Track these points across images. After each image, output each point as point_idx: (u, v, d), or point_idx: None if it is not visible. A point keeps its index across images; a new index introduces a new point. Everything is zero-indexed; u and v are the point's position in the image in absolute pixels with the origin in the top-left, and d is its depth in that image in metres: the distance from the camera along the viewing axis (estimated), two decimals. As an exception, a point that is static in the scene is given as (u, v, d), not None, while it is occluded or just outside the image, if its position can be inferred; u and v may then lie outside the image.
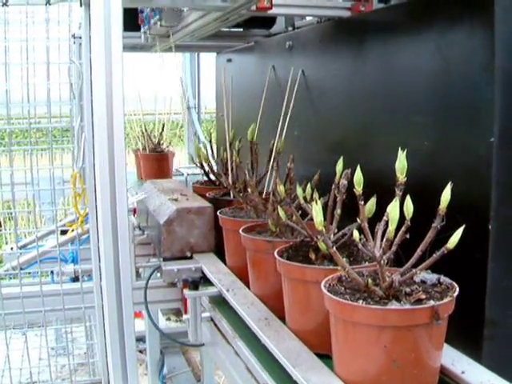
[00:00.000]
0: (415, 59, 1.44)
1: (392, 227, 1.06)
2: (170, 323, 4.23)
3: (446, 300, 1.04)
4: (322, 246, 1.25)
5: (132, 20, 2.54)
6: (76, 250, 2.18)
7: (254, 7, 1.67)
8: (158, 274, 1.89)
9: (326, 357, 1.17)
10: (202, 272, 1.81)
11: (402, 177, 1.07)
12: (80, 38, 1.99)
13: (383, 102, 1.58)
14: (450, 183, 1.04)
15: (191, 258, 1.91)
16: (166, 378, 3.18)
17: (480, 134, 1.21)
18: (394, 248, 1.08)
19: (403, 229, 1.06)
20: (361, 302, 1.05)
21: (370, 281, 1.07)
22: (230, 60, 2.98)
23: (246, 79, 2.75)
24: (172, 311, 4.19)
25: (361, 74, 1.70)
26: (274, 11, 1.75)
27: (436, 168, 1.36)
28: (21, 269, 2.18)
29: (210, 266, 1.80)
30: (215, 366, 3.14)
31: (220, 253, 1.88)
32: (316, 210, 1.14)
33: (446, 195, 1.04)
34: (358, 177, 1.10)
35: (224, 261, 1.81)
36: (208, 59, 3.91)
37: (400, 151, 1.06)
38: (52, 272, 2.41)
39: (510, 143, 1.18)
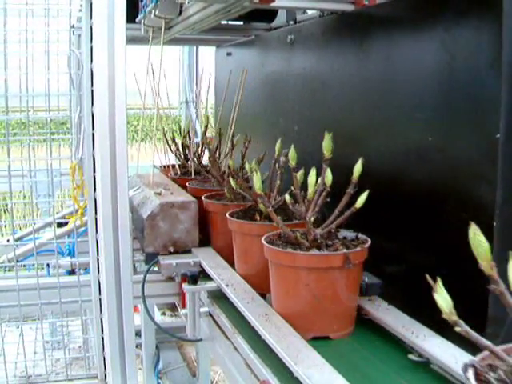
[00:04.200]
0: (420, 54, 1.42)
1: (311, 190, 1.35)
2: (165, 318, 4.22)
3: (355, 249, 1.31)
4: (261, 206, 1.51)
5: (131, 11, 2.52)
6: (73, 242, 2.16)
7: (256, -1, 1.65)
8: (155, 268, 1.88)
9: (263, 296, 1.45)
10: (201, 266, 1.80)
11: (327, 154, 1.35)
12: (80, 28, 1.96)
13: (387, 97, 1.56)
14: (361, 159, 1.30)
15: (176, 253, 1.89)
16: (161, 372, 3.16)
17: (485, 130, 1.20)
18: (317, 208, 1.35)
19: (324, 193, 1.34)
20: (290, 249, 1.33)
21: (298, 234, 1.34)
22: (229, 54, 2.96)
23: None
24: (167, 306, 4.18)
25: (364, 69, 1.68)
26: (276, 4, 1.72)
27: (440, 164, 1.35)
28: (17, 261, 2.16)
29: (208, 260, 1.79)
30: (211, 362, 3.12)
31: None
32: (256, 178, 1.43)
33: (358, 167, 1.31)
34: (292, 154, 1.41)
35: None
36: (207, 53, 3.89)
37: (326, 133, 1.34)
38: (48, 265, 2.39)
39: (516, 140, 1.17)
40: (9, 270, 2.77)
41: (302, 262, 1.29)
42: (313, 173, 1.34)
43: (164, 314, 4.31)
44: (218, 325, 1.57)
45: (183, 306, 1.72)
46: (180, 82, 4.09)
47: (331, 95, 1.88)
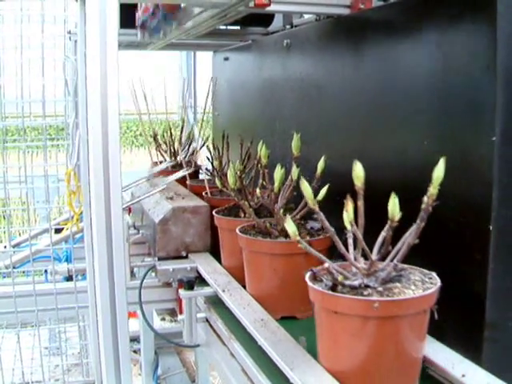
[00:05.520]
0: (415, 57, 1.42)
1: (276, 184, 1.49)
2: (164, 323, 4.20)
3: (318, 237, 1.46)
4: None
5: (128, 17, 2.52)
6: (70, 248, 2.15)
7: (252, 4, 1.64)
8: (153, 274, 1.87)
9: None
10: (198, 272, 1.79)
11: (296, 153, 1.49)
12: (76, 34, 1.96)
13: (383, 100, 1.56)
14: (323, 157, 1.42)
15: (186, 257, 1.89)
16: (160, 378, 3.16)
17: (481, 133, 1.19)
18: (284, 201, 1.49)
19: (291, 188, 1.48)
20: (260, 237, 1.48)
21: (268, 224, 1.50)
22: (226, 58, 2.96)
23: (243, 78, 2.73)
24: (167, 311, 4.17)
25: (360, 73, 1.68)
26: (272, 8, 1.72)
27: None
28: (14, 267, 2.15)
29: (205, 265, 1.78)
30: (210, 367, 3.11)
31: (215, 252, 1.86)
32: (230, 174, 1.56)
33: (321, 163, 1.43)
34: (264, 151, 1.54)
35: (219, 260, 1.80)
36: (204, 59, 3.88)
37: (295, 134, 1.47)
38: (45, 271, 2.39)
39: (512, 142, 1.16)
40: (7, 277, 2.76)
41: (270, 248, 1.45)
42: (278, 168, 1.47)
43: (164, 319, 4.30)
44: (214, 330, 1.56)
45: (180, 312, 1.72)
46: (179, 87, 4.09)
47: (328, 99, 1.88)
